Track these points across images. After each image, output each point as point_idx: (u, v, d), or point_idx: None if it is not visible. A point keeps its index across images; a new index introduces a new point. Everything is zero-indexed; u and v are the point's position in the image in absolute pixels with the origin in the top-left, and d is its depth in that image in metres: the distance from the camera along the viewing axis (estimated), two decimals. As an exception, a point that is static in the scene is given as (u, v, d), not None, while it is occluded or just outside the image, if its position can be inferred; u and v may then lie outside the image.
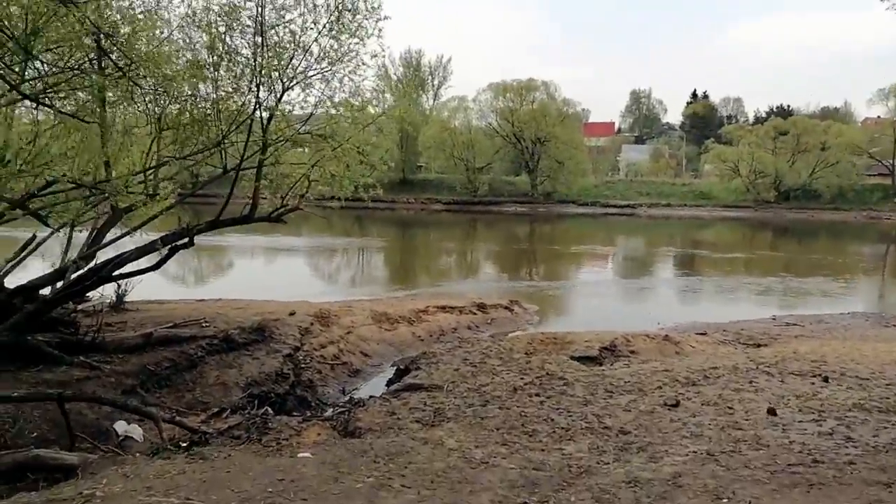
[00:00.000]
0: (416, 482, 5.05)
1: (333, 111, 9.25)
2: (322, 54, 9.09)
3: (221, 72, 9.32)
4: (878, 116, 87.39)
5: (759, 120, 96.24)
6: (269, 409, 8.00)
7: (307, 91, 9.25)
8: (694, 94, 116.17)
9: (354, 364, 11.45)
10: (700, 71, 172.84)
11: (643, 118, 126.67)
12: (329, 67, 8.95)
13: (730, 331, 14.11)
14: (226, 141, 9.34)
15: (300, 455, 5.84)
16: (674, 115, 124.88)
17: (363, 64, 9.40)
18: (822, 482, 4.93)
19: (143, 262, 9.40)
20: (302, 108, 9.76)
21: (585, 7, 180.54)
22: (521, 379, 8.75)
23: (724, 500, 4.63)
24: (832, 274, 26.82)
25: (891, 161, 71.34)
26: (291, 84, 8.97)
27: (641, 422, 6.89)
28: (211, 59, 9.23)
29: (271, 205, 10.26)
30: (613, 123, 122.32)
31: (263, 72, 8.71)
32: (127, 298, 11.84)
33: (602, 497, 4.79)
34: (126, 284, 11.37)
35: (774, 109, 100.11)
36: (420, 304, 15.02)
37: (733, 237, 48.21)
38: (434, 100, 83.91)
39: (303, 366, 10.30)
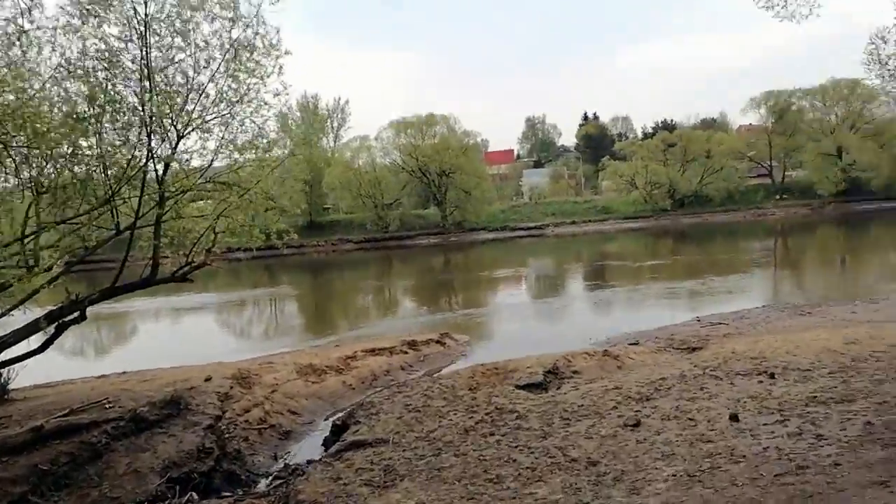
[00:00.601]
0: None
1: (237, 156, 8.44)
2: (219, 96, 8.38)
3: (105, 123, 8.38)
4: (750, 123, 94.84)
5: (646, 135, 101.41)
6: (194, 495, 6.98)
7: (206, 137, 8.47)
8: (585, 117, 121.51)
9: (284, 425, 10.46)
10: (589, 94, 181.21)
11: (540, 143, 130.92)
12: (228, 109, 8.23)
13: (661, 337, 14.14)
14: (116, 199, 8.37)
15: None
16: (568, 137, 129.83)
17: (265, 104, 8.77)
18: (818, 491, 4.62)
19: (31, 342, 8.20)
20: (201, 155, 8.96)
21: (472, 43, 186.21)
22: (471, 418, 8.15)
23: (728, 529, 4.20)
24: (733, 271, 28.16)
25: (768, 162, 76.93)
26: (187, 131, 8.17)
27: (607, 448, 6.45)
28: (92, 111, 8.28)
29: (175, 263, 9.31)
30: (512, 151, 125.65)
31: (154, 119, 7.85)
32: (11, 386, 10.36)
33: (596, 546, 4.25)
34: (9, 372, 9.95)
35: (660, 124, 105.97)
36: (346, 350, 14.17)
37: (637, 246, 49.94)
38: (335, 141, 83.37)
39: (227, 436, 9.24)
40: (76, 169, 8.48)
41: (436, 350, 14.91)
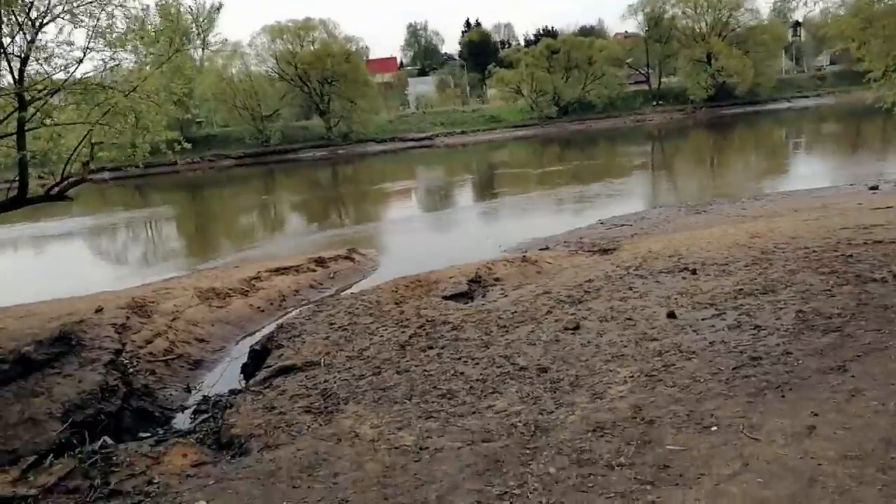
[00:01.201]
0: (361, 501, 3.94)
1: (113, 52, 7.13)
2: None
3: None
4: (626, 31, 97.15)
5: (529, 42, 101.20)
6: (107, 440, 6.21)
7: (71, 26, 7.04)
8: (468, 24, 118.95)
9: (192, 354, 9.68)
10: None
11: (423, 51, 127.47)
12: None
13: (570, 241, 14.34)
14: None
15: None
16: (451, 45, 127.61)
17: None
18: (783, 381, 4.68)
19: None
20: (68, 50, 7.50)
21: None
22: (403, 332, 7.80)
23: (713, 428, 4.15)
24: (621, 175, 29.40)
25: (645, 69, 79.40)
26: (45, 19, 6.72)
27: (553, 354, 6.33)
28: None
29: (42, 187, 7.99)
30: (395, 58, 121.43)
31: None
32: None
33: (582, 458, 4.07)
34: None
35: (542, 31, 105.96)
36: (249, 271, 13.27)
37: (528, 154, 50.67)
38: (203, 49, 76.53)
39: (131, 371, 8.39)
40: None
41: (345, 266, 14.32)
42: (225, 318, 11.09)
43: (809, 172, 25.65)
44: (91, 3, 6.79)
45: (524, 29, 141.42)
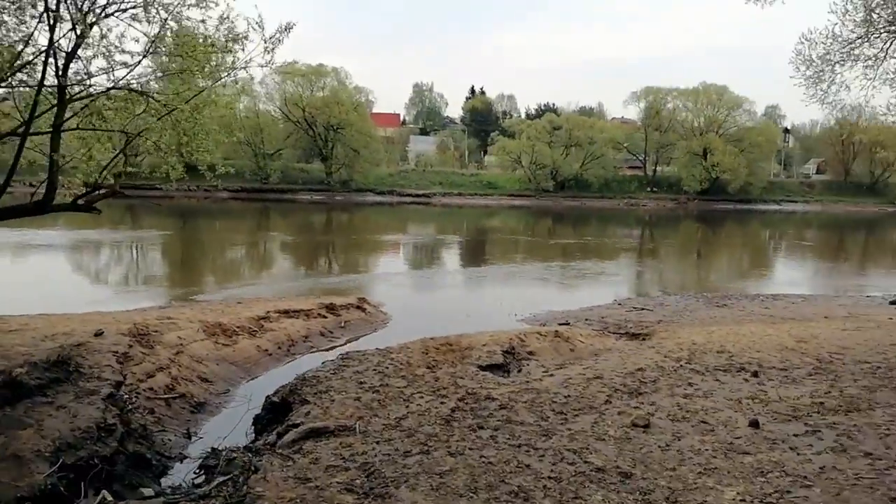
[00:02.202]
0: None
1: (174, 55, 6.54)
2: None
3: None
4: (622, 117, 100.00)
5: (530, 116, 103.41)
6: (107, 496, 5.28)
7: (127, 26, 6.46)
8: (472, 90, 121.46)
9: (195, 395, 8.78)
10: (477, 68, 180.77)
11: (427, 111, 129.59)
12: None
13: (592, 319, 13.75)
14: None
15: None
16: (454, 109, 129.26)
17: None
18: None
19: None
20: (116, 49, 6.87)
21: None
22: (443, 403, 7.03)
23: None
24: (618, 255, 29.38)
25: (642, 155, 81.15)
26: (106, 11, 6.13)
27: (630, 455, 5.60)
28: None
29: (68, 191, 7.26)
30: (399, 115, 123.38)
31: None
32: None
33: None
34: None
35: (542, 107, 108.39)
36: (258, 309, 12.44)
37: (524, 223, 50.69)
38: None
39: (130, 408, 7.46)
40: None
41: (356, 316, 13.54)
42: (231, 358, 10.21)
43: (813, 277, 25.64)
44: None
45: (526, 102, 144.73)
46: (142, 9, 6.07)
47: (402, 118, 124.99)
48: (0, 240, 24.30)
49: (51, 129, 6.29)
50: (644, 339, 10.99)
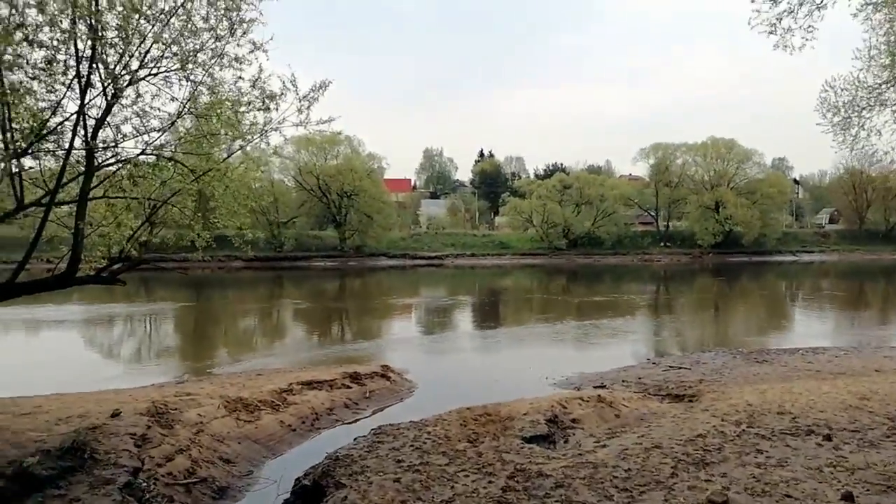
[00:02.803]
0: None
1: (206, 115, 6.28)
2: (188, 24, 6.16)
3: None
4: (630, 174, 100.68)
5: (538, 176, 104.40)
6: None
7: (165, 85, 6.23)
8: (481, 153, 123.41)
9: (217, 479, 8.15)
10: (485, 131, 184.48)
11: (436, 175, 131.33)
12: (211, 42, 6.02)
13: (629, 380, 13.07)
14: (18, 162, 5.97)
15: None
16: (464, 172, 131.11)
17: (241, 59, 6.63)
18: None
19: None
20: (149, 112, 6.64)
21: (367, 73, 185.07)
22: (491, 483, 6.40)
23: None
24: (639, 312, 28.64)
25: (654, 211, 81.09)
26: (143, 71, 5.92)
27: (714, 537, 4.93)
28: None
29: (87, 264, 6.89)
30: (409, 180, 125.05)
31: (101, 40, 5.58)
32: None
33: None
34: None
35: (550, 167, 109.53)
36: (279, 381, 11.89)
37: (539, 282, 50.07)
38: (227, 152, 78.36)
39: (147, 497, 6.87)
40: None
41: (381, 385, 12.93)
42: (253, 436, 9.60)
43: (843, 328, 24.77)
44: (210, 48, 5.99)
45: (534, 163, 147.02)
46: (175, 72, 5.85)
47: (412, 183, 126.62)
48: (7, 317, 24.01)
49: (76, 199, 5.98)
50: (691, 401, 10.31)
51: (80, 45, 5.60)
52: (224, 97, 6.37)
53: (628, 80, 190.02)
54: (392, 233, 68.87)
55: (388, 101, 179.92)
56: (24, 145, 5.51)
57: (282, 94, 6.52)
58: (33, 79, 5.53)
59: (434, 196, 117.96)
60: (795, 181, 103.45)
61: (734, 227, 73.34)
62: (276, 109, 6.67)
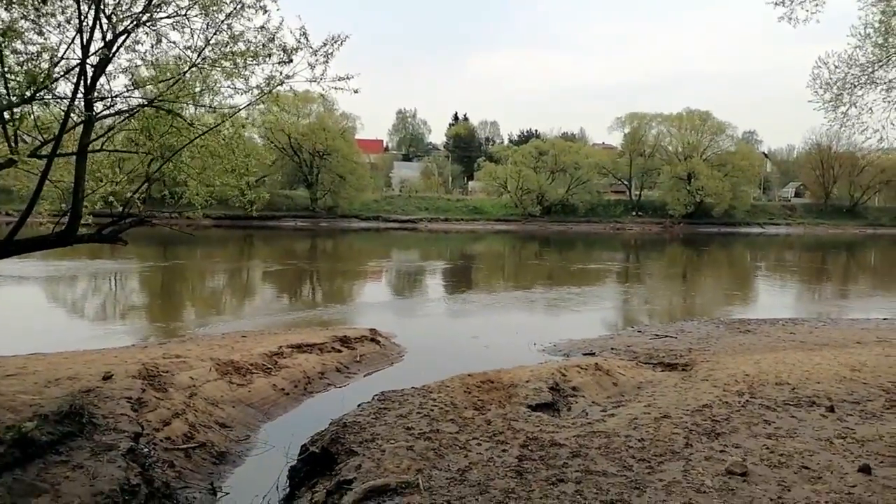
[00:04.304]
0: None
1: (221, 66, 5.89)
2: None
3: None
4: (604, 143, 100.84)
5: (513, 142, 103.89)
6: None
7: (166, 32, 5.80)
8: (455, 117, 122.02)
9: (216, 443, 7.96)
10: (460, 95, 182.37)
11: (410, 137, 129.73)
12: None
13: (618, 349, 13.13)
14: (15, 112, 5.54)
15: None
16: (437, 136, 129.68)
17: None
18: None
19: None
20: (145, 61, 6.23)
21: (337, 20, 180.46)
22: (505, 451, 6.32)
23: None
24: (616, 280, 29.00)
25: (627, 180, 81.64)
26: (151, 12, 5.49)
27: (741, 509, 4.94)
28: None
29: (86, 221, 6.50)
30: (381, 141, 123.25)
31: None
32: None
33: None
34: None
35: (525, 133, 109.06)
36: (269, 344, 11.64)
37: (514, 248, 50.25)
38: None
39: (150, 462, 6.65)
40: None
41: (371, 349, 12.78)
42: (247, 400, 9.41)
43: (813, 300, 25.42)
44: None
45: (509, 129, 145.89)
46: (186, 16, 5.41)
47: (385, 144, 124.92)
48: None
49: (75, 151, 5.58)
50: (685, 370, 10.40)
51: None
52: (232, 48, 5.97)
53: (606, 49, 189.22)
54: (365, 194, 68.03)
55: (360, 57, 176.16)
56: (20, 93, 5.07)
57: (297, 46, 6.12)
58: (36, 21, 5.08)
59: (407, 158, 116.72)
60: (765, 155, 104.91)
61: (705, 199, 74.27)
62: (290, 62, 6.28)
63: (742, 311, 21.09)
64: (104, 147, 6.08)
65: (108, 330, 15.78)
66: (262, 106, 7.81)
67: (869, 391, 8.30)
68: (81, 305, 20.51)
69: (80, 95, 5.38)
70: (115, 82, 6.20)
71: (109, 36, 5.71)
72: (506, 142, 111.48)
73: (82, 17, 5.27)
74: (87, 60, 5.53)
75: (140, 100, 6.15)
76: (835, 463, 5.80)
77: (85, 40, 5.29)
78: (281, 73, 6.45)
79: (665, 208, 75.52)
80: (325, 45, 6.29)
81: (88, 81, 5.49)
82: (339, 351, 12.16)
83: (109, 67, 6.07)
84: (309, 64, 6.27)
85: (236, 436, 8.41)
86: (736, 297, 25.91)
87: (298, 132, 63.23)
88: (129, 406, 7.28)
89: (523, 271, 34.74)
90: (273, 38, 6.07)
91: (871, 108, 12.95)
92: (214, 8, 5.62)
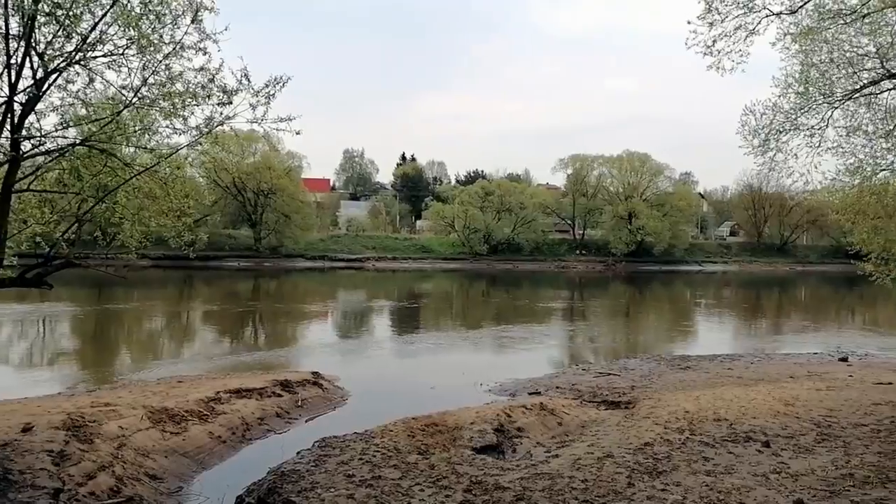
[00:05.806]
0: None
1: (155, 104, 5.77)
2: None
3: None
4: (547, 183, 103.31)
5: (460, 182, 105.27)
6: None
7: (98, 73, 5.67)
8: (403, 157, 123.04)
9: (144, 497, 7.51)
10: (407, 135, 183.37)
11: (357, 177, 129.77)
12: (151, 28, 5.53)
13: (563, 387, 13.19)
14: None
15: None
16: (385, 175, 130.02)
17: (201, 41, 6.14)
18: None
19: None
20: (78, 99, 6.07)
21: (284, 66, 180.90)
22: (449, 497, 6.21)
23: None
24: (561, 319, 29.42)
25: (570, 220, 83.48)
26: (82, 53, 5.36)
27: (681, 549, 4.95)
28: None
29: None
30: (328, 180, 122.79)
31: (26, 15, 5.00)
32: None
33: None
34: None
35: (472, 173, 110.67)
36: (206, 389, 11.22)
37: (462, 287, 50.43)
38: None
39: (70, 522, 6.24)
40: None
41: (313, 393, 12.46)
42: (181, 449, 8.98)
43: (750, 336, 26.30)
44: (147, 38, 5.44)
45: (455, 169, 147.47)
46: (124, 56, 5.30)
47: (332, 183, 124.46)
48: None
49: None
50: (627, 407, 10.52)
51: (12, 22, 5.00)
52: (170, 89, 5.87)
53: (547, 92, 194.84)
54: (310, 234, 67.36)
55: (306, 97, 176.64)
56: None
57: (238, 88, 6.06)
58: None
59: (354, 198, 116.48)
60: (701, 195, 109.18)
61: (646, 237, 76.39)
62: (230, 103, 6.21)
63: (683, 347, 21.66)
64: (31, 187, 5.83)
65: (33, 378, 14.94)
66: (201, 146, 7.65)
67: (801, 425, 8.55)
68: (4, 352, 19.40)
69: (5, 134, 5.17)
70: (46, 121, 6.02)
71: (40, 74, 5.55)
72: (453, 182, 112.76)
73: (11, 54, 5.10)
74: (15, 98, 5.35)
75: (72, 139, 5.96)
76: (770, 498, 5.91)
77: (13, 78, 5.12)
78: (221, 114, 6.38)
79: (608, 247, 77.31)
80: (266, 86, 6.26)
81: (16, 120, 5.29)
82: (280, 395, 11.80)
83: (40, 105, 5.89)
84: (250, 105, 6.23)
85: (167, 487, 8.00)
86: (677, 334, 26.60)
87: (242, 171, 62.40)
88: (50, 460, 6.85)
89: (471, 310, 34.88)
90: (213, 79, 6.02)
91: (795, 154, 13.65)
92: (152, 48, 5.54)
